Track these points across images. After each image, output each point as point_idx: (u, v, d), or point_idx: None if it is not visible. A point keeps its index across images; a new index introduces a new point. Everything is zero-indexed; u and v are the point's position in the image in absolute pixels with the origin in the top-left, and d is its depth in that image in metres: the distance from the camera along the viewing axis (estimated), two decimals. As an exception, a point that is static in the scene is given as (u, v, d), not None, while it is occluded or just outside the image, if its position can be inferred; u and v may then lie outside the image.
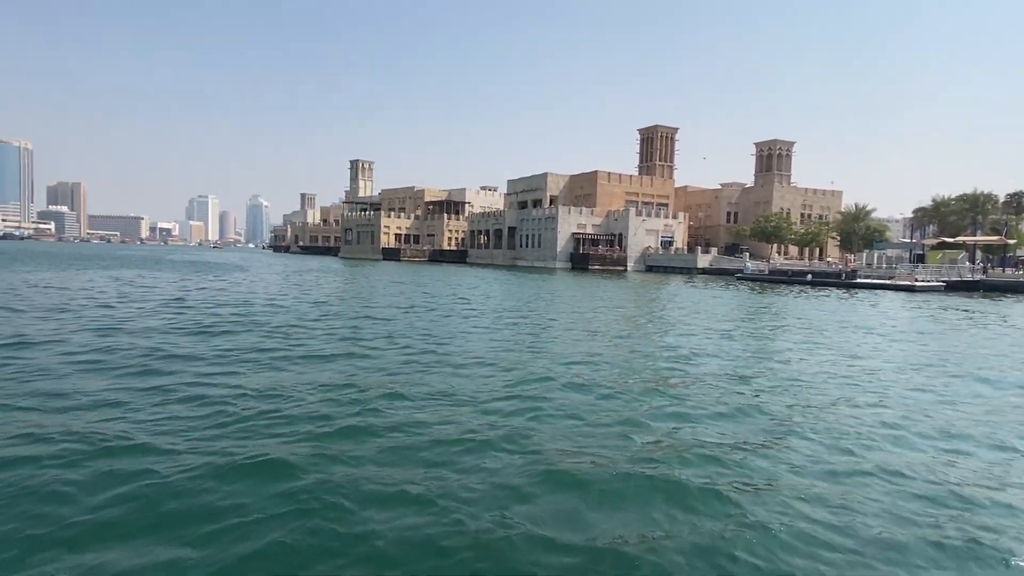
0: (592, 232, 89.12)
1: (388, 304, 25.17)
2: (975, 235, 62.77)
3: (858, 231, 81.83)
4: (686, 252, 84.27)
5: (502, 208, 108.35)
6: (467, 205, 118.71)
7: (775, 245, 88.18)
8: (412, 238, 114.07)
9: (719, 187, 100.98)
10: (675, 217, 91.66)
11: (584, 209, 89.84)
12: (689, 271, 77.36)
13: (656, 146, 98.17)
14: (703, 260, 78.66)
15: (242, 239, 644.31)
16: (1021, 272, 55.75)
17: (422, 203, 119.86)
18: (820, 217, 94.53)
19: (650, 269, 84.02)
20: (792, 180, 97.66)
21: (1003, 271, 57.65)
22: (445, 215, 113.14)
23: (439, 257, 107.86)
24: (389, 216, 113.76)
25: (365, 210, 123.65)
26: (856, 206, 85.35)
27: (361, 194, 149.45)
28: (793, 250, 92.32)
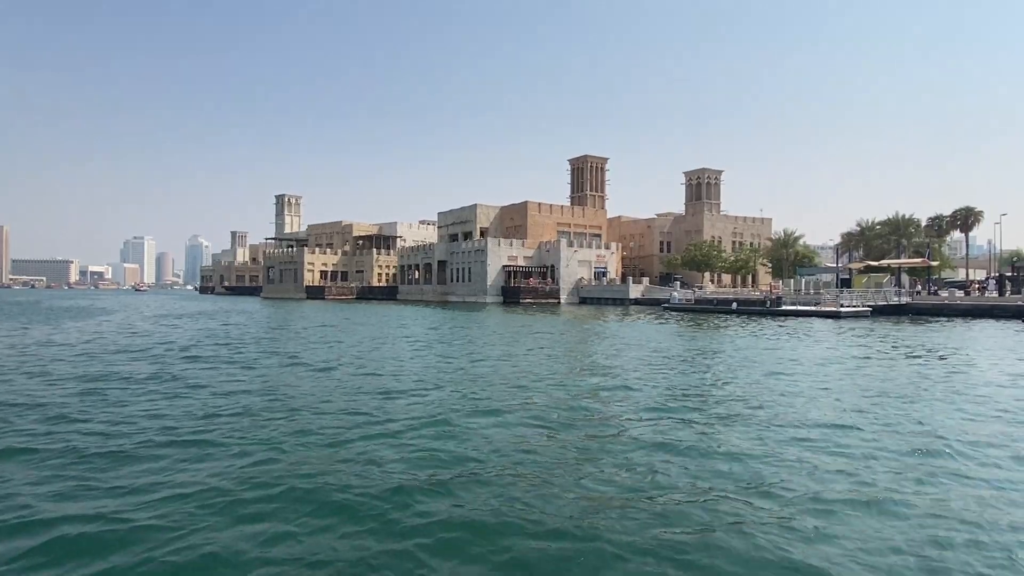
0: (524, 264, 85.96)
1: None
2: (899, 258, 62.10)
3: (787, 257, 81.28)
4: (619, 283, 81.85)
5: (436, 242, 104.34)
6: (399, 239, 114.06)
7: (708, 273, 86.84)
8: (340, 275, 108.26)
9: (653, 217, 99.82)
10: (608, 247, 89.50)
11: (515, 241, 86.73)
12: (622, 302, 74.86)
13: (587, 176, 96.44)
14: (635, 291, 76.34)
15: (180, 280, 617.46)
16: (948, 294, 54.83)
17: (351, 238, 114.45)
18: (751, 244, 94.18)
19: (584, 301, 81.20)
20: (723, 208, 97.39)
21: (927, 294, 56.74)
22: (375, 250, 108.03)
23: (368, 294, 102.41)
24: (314, 252, 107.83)
25: (291, 247, 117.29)
26: (785, 232, 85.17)
27: (288, 230, 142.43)
28: (727, 278, 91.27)
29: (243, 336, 28.28)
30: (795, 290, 61.64)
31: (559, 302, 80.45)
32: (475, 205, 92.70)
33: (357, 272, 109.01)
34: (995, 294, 54.97)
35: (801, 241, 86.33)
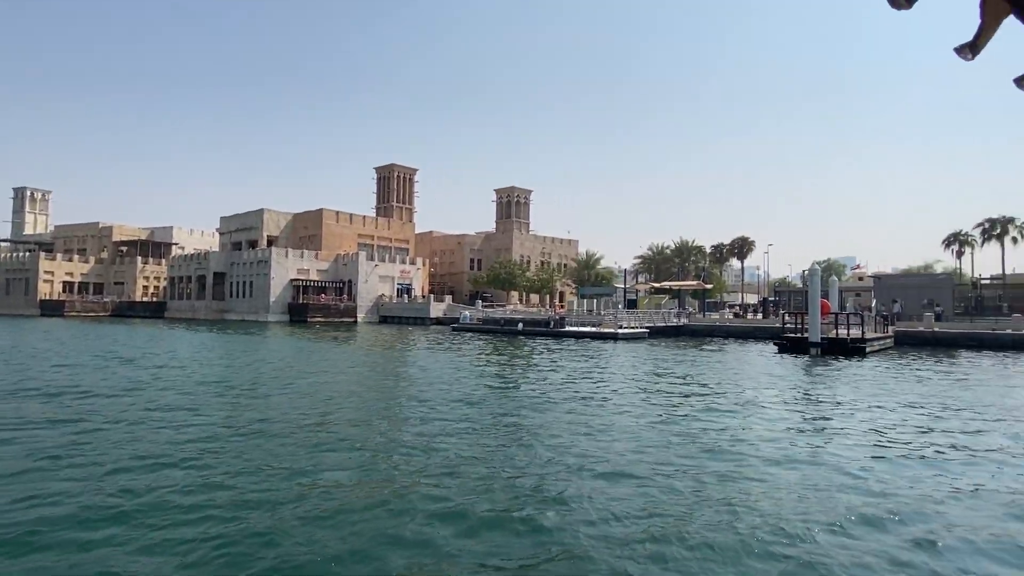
0: (317, 278, 77.07)
1: None
2: (682, 280, 64.32)
3: (589, 278, 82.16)
4: (422, 300, 76.61)
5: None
6: (175, 247, 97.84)
7: (516, 292, 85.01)
8: (92, 287, 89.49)
9: (463, 233, 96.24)
10: (414, 263, 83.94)
11: (306, 252, 77.56)
12: (423, 321, 69.71)
13: (394, 186, 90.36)
14: (437, 309, 71.63)
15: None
16: (718, 316, 57.09)
17: (111, 244, 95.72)
18: (559, 264, 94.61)
19: (385, 320, 74.76)
20: (532, 228, 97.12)
21: (704, 315, 58.81)
22: (141, 258, 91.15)
23: (127, 311, 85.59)
24: (55, 259, 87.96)
25: (30, 251, 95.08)
26: (587, 254, 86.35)
27: (29, 231, 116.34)
28: (536, 297, 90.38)
29: None
30: (587, 310, 60.83)
31: (356, 321, 73.04)
32: (262, 210, 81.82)
33: (116, 284, 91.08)
34: (760, 316, 58.46)
35: (602, 263, 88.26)
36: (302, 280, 75.39)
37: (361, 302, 75.90)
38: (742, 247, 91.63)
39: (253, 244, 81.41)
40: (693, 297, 67.20)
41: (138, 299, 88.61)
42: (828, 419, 13.46)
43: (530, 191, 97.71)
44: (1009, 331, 36.49)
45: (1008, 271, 69.61)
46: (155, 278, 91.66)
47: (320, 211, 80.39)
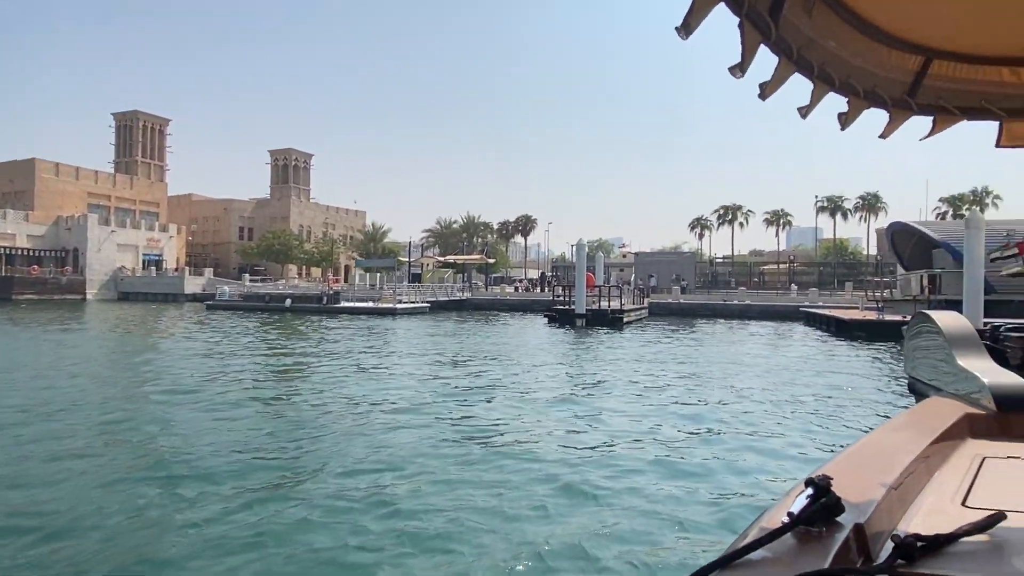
0: (28, 245, 62.05)
1: None
2: (467, 255, 64.20)
3: (376, 251, 78.39)
4: (175, 274, 65.99)
5: None
6: None
7: (295, 265, 77.57)
8: None
9: (229, 198, 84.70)
10: (165, 230, 71.92)
11: (12, 212, 61.79)
12: (176, 298, 60.03)
13: (138, 138, 75.78)
14: (194, 284, 62.28)
15: None
16: (499, 290, 57.96)
17: None
18: (344, 236, 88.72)
19: (127, 297, 62.92)
20: (313, 196, 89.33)
21: (487, 289, 59.29)
22: None
23: None
24: None
25: None
26: (374, 226, 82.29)
27: None
28: (317, 271, 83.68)
29: None
30: (370, 285, 57.53)
31: (85, 298, 60.34)
32: (-62, 155, 62.76)
33: None
34: (539, 290, 60.77)
35: (392, 236, 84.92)
36: (5, 248, 59.96)
37: (92, 276, 63.06)
38: (526, 225, 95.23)
39: (-74, 199, 62.31)
40: (480, 272, 67.69)
41: None
42: (574, 383, 13.54)
43: (311, 155, 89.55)
44: (736, 302, 42.24)
45: (737, 251, 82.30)
46: None
47: (32, 161, 64.19)
